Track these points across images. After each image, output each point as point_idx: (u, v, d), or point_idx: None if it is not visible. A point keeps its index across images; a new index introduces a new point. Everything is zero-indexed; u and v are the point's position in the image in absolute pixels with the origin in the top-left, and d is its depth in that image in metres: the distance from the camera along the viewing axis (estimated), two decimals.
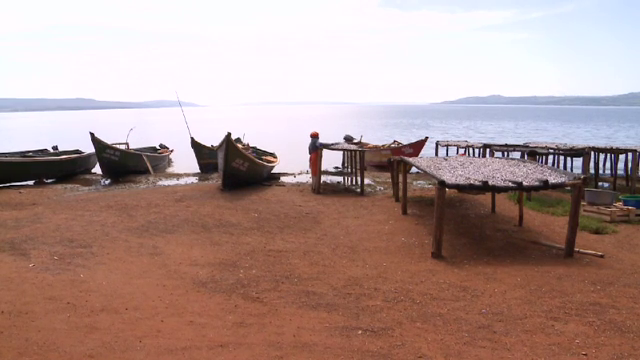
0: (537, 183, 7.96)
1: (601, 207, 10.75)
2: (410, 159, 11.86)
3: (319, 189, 14.26)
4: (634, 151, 14.74)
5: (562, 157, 18.36)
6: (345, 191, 15.16)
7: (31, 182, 16.50)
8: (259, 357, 4.47)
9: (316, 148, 14.72)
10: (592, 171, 15.96)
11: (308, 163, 15.40)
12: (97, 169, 19.36)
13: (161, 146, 25.40)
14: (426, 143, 22.13)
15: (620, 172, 17.29)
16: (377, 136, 38.34)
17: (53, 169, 17.63)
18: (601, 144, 20.81)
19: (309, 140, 15.08)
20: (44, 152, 20.19)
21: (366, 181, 15.79)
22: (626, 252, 8.25)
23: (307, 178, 17.31)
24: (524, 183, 7.92)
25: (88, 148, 19.42)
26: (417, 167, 10.53)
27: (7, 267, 7.00)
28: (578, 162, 17.43)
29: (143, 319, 5.27)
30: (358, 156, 16.02)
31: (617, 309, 5.66)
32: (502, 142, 23.33)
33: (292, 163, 20.38)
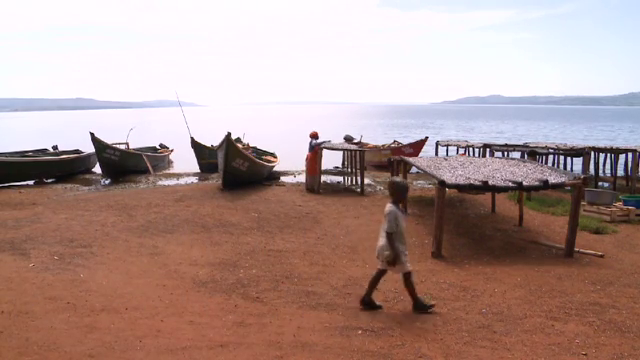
0: (537, 183, 7.95)
1: (601, 207, 10.74)
2: (410, 159, 11.85)
3: (319, 189, 14.26)
4: (634, 151, 14.74)
5: (562, 157, 18.35)
6: (345, 191, 15.16)
7: (31, 182, 16.50)
8: (259, 357, 4.47)
9: (312, 147, 14.75)
10: (592, 171, 15.96)
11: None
12: (97, 169, 19.39)
13: (161, 146, 25.41)
14: (426, 143, 22.14)
15: (620, 172, 17.29)
16: (377, 136, 38.32)
17: (53, 169, 17.64)
18: (601, 144, 20.80)
19: (309, 140, 15.10)
20: (44, 152, 20.20)
21: (366, 181, 15.78)
22: (626, 252, 8.24)
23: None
24: (524, 183, 7.92)
25: (88, 148, 19.44)
26: (417, 167, 10.53)
27: (7, 267, 7.00)
28: (578, 162, 17.43)
29: (143, 319, 5.27)
30: (358, 156, 16.02)
31: (617, 309, 5.66)
32: (502, 142, 23.33)
33: (292, 163, 20.37)
